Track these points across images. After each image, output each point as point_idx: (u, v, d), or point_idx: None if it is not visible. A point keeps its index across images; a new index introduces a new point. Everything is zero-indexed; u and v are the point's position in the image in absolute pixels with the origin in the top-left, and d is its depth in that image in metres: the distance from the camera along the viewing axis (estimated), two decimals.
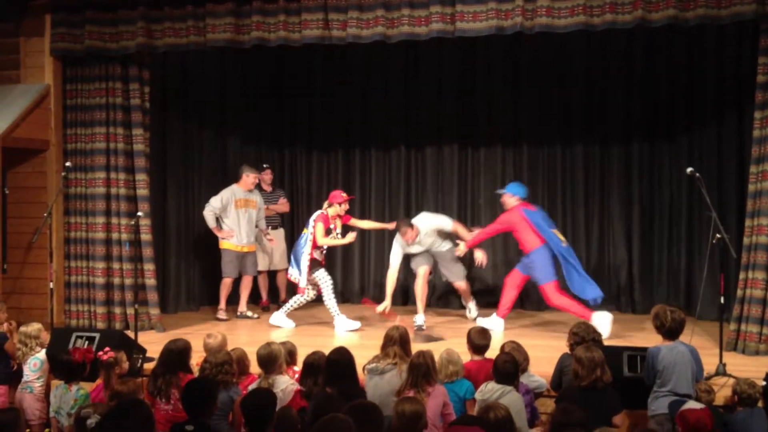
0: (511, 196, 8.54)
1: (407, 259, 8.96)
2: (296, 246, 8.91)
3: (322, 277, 8.80)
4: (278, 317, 8.93)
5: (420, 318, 8.66)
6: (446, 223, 8.77)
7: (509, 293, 8.56)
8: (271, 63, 10.64)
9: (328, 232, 8.82)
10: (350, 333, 8.57)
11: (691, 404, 5.00)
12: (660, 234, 9.72)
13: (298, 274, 8.80)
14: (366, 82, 10.70)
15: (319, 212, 8.89)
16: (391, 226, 9.01)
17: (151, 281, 8.81)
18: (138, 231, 8.59)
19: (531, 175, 10.12)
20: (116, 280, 8.81)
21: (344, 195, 8.95)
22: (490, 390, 5.24)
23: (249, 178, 9.32)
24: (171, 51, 8.73)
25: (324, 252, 8.94)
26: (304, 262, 8.71)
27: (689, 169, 6.96)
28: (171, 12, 8.35)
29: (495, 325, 8.44)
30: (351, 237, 8.93)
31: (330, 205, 8.87)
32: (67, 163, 8.46)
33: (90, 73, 8.82)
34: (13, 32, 8.86)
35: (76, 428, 4.99)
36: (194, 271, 10.28)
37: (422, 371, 5.22)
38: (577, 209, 10.05)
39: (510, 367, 5.33)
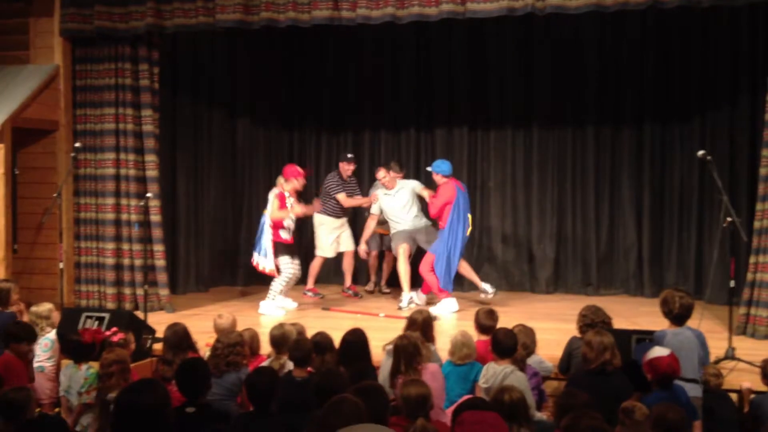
0: (436, 174, 8.81)
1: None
2: (259, 227, 8.74)
3: (287, 265, 8.68)
4: (267, 305, 8.64)
5: (407, 297, 8.76)
6: (416, 184, 9.22)
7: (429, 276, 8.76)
8: (281, 44, 10.60)
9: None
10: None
11: (657, 351, 4.96)
12: (670, 217, 9.67)
13: (263, 260, 8.64)
14: (376, 64, 10.64)
15: (276, 191, 8.72)
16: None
17: (160, 262, 8.84)
18: (147, 212, 8.61)
19: (541, 157, 10.09)
20: (126, 261, 8.84)
21: (299, 169, 8.84)
22: (492, 374, 5.23)
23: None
24: (180, 32, 8.70)
25: (291, 231, 8.77)
26: (268, 244, 8.57)
27: (701, 152, 6.92)
28: None
29: (448, 306, 8.60)
30: (303, 208, 8.82)
31: (286, 181, 8.74)
32: (77, 144, 8.47)
33: (99, 53, 8.81)
34: (23, 12, 8.84)
35: (100, 412, 5.02)
36: (203, 252, 10.29)
37: (408, 353, 5.16)
38: (587, 192, 9.99)
39: (510, 340, 5.34)
